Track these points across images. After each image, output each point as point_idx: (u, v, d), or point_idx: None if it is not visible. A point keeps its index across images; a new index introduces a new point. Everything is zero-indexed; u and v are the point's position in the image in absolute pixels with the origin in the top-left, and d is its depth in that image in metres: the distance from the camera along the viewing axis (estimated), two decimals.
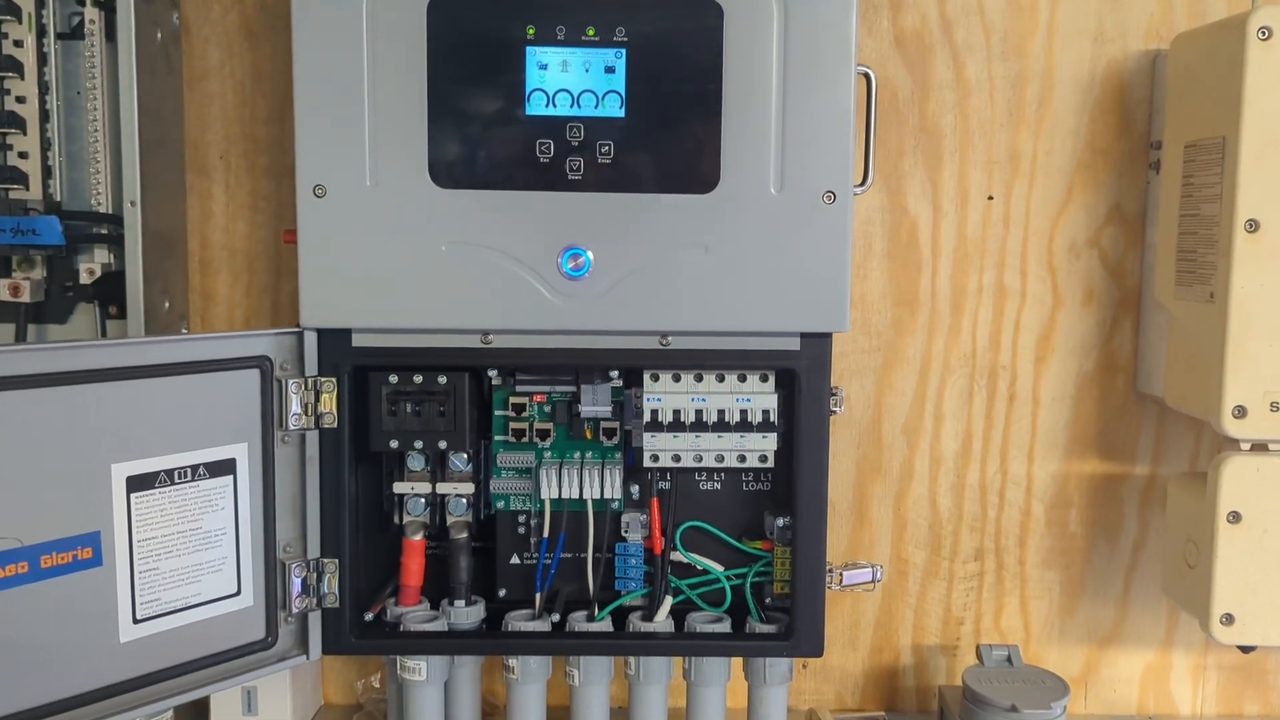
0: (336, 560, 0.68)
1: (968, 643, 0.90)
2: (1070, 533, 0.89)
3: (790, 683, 0.73)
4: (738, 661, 0.73)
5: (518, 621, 0.71)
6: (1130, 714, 0.91)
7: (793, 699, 0.91)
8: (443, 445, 0.69)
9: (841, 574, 0.72)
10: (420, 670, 0.70)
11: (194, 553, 0.63)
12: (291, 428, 0.66)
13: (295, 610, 0.67)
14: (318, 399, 0.67)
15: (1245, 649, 0.80)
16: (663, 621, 0.71)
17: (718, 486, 0.75)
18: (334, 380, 0.67)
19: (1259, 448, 0.74)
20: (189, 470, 0.62)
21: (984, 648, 0.83)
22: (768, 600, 0.74)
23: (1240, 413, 0.72)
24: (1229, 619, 0.75)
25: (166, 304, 0.79)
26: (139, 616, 0.61)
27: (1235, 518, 0.74)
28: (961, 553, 0.89)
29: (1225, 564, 0.74)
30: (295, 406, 0.66)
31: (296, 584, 0.67)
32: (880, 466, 0.89)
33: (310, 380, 0.67)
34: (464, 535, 0.73)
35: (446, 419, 0.68)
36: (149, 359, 0.60)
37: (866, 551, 0.89)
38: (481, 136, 0.65)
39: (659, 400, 0.70)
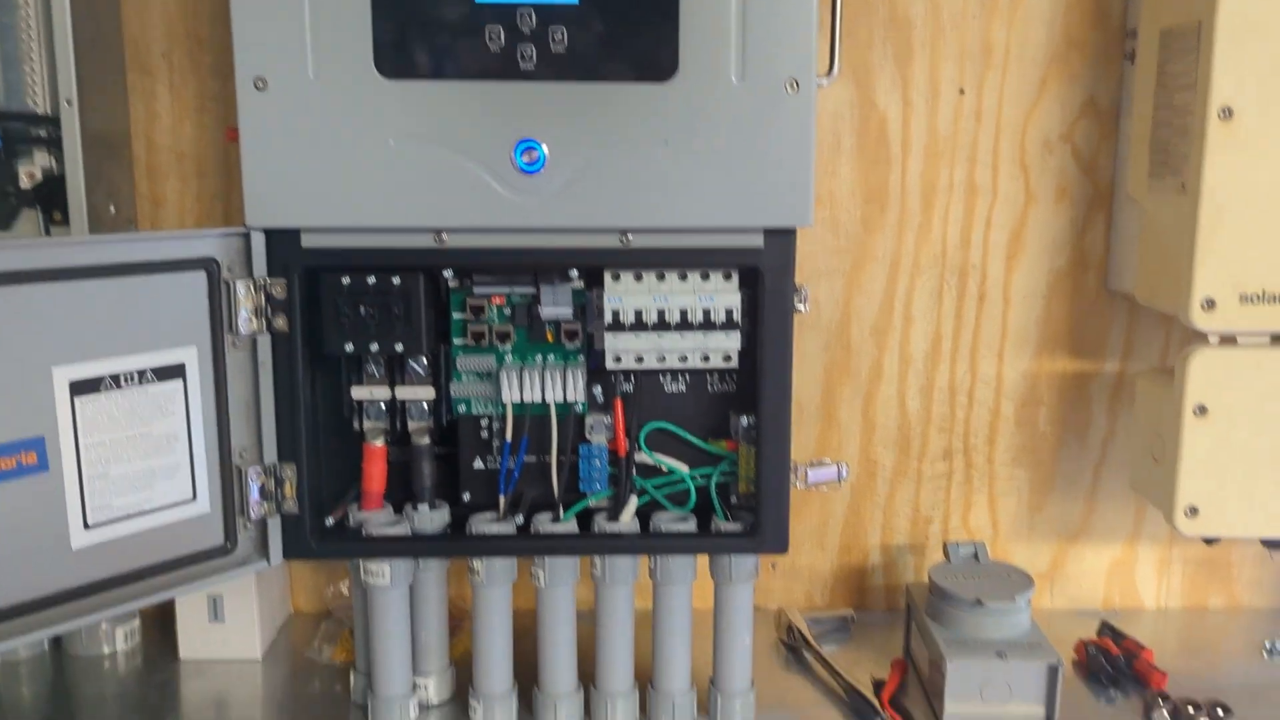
0: (294, 466, 0.67)
1: (936, 542, 0.90)
2: (1039, 431, 0.89)
3: (756, 580, 0.73)
4: (704, 562, 0.73)
5: (482, 524, 0.70)
6: (1096, 607, 0.92)
7: (762, 599, 0.91)
8: (399, 348, 0.67)
9: (806, 472, 0.72)
10: (384, 574, 0.70)
11: (145, 458, 0.62)
12: (241, 331, 0.65)
13: (254, 516, 0.67)
14: (268, 302, 0.65)
15: (1209, 541, 0.81)
16: (628, 522, 0.71)
17: (682, 388, 0.74)
18: (284, 282, 0.65)
19: (1227, 341, 0.73)
20: (135, 375, 0.61)
21: (951, 545, 0.83)
22: (733, 500, 0.74)
23: (1209, 305, 0.72)
24: (1193, 511, 0.75)
25: (112, 209, 0.77)
26: (90, 522, 0.60)
27: (1201, 411, 0.74)
28: (930, 453, 0.89)
29: (1190, 457, 0.74)
30: (244, 310, 0.64)
31: (254, 490, 0.67)
32: (849, 369, 0.88)
33: (259, 282, 0.65)
34: (426, 440, 0.72)
35: (402, 321, 0.67)
36: (88, 259, 0.58)
37: (835, 453, 0.89)
38: (428, 24, 0.62)
39: (620, 300, 0.68)
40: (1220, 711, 0.74)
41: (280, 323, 0.65)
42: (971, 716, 0.73)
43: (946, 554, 0.84)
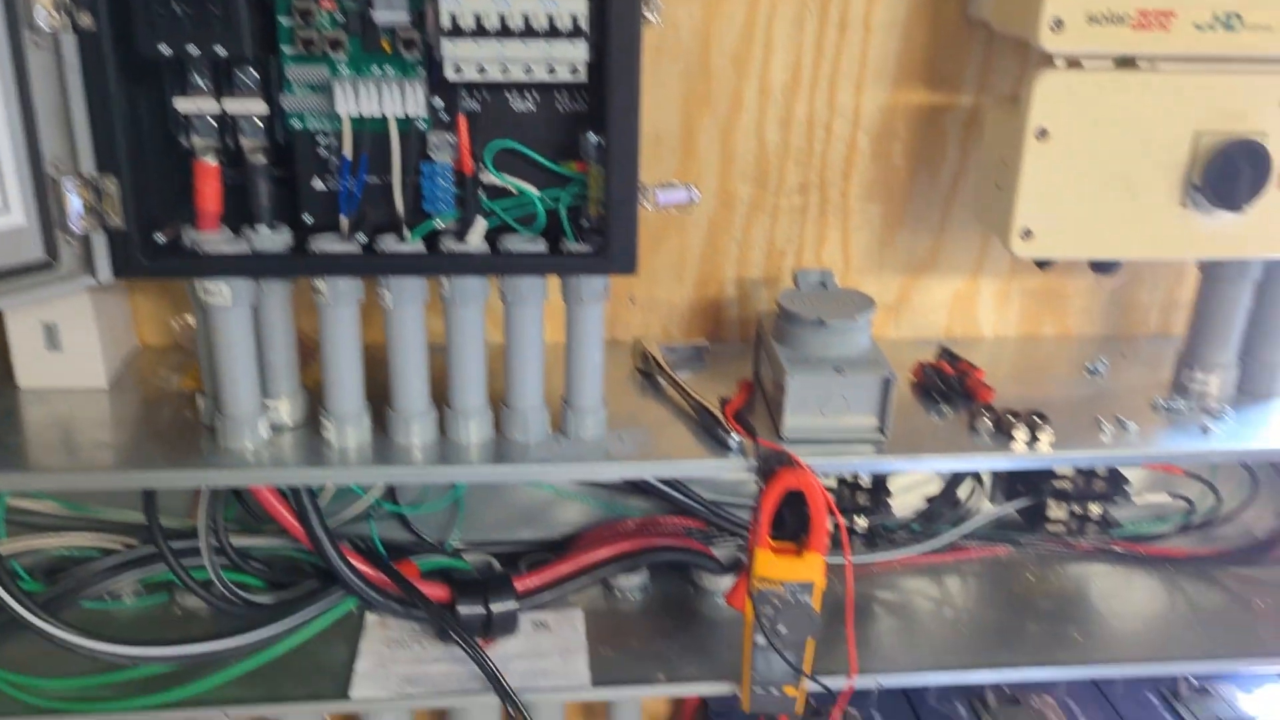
0: (115, 178, 0.64)
1: (790, 275, 0.92)
2: (894, 165, 0.90)
3: (607, 301, 0.74)
4: (556, 289, 0.73)
5: (324, 244, 0.69)
6: (938, 336, 0.97)
7: (620, 332, 0.93)
8: (220, 51, 0.63)
9: (655, 193, 0.72)
10: (224, 294, 0.68)
11: None
12: (42, 28, 0.60)
13: (76, 231, 0.64)
14: None
15: (1042, 264, 0.85)
16: (476, 243, 0.70)
17: (531, 107, 0.72)
18: None
19: (1074, 64, 0.74)
20: None
21: (800, 272, 0.85)
22: (584, 223, 0.73)
23: (1057, 25, 0.72)
24: (1028, 234, 0.78)
25: None
26: None
27: (1043, 134, 0.75)
28: (787, 186, 0.90)
29: (1029, 180, 0.76)
30: (41, 4, 0.59)
31: (75, 203, 0.63)
32: (708, 99, 0.86)
33: None
34: (261, 159, 0.69)
35: (220, 20, 0.62)
36: None
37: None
38: None
39: (459, 3, 0.65)
40: (1037, 419, 0.79)
41: (85, 20, 0.60)
42: (810, 428, 0.77)
43: (796, 281, 0.86)
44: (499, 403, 0.76)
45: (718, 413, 0.78)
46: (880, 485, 0.93)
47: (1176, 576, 0.98)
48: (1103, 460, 0.87)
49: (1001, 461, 0.82)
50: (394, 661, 0.81)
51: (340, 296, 0.70)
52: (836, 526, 0.78)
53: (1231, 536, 1.00)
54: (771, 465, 0.75)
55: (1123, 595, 0.95)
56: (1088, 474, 0.94)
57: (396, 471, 0.73)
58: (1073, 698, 1.03)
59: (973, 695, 1.03)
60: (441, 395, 0.75)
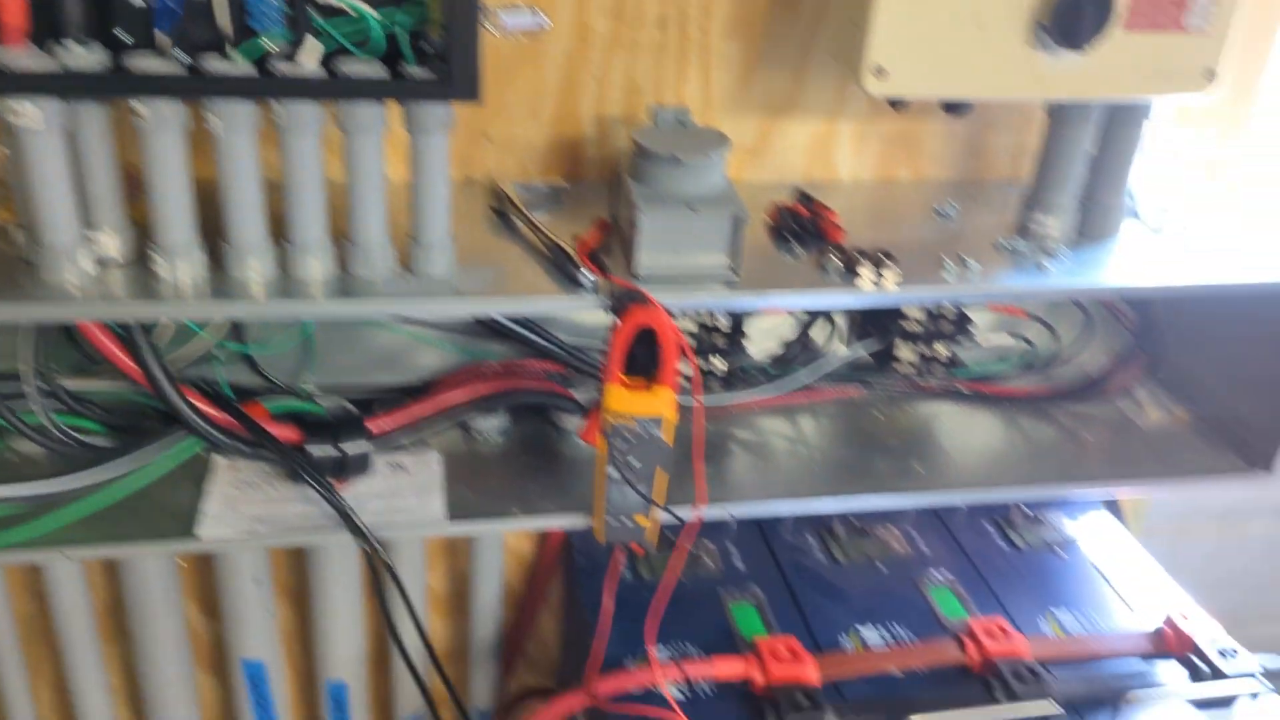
0: None
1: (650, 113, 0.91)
2: (755, 2, 0.88)
3: (452, 131, 0.71)
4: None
5: (142, 62, 0.64)
6: (796, 180, 0.97)
7: (475, 171, 0.91)
8: None
9: (500, 15, 0.69)
10: (32, 115, 0.64)
11: None
12: None
13: None
14: None
15: (896, 104, 0.85)
16: (308, 65, 0.66)
17: None
18: None
19: None
20: None
21: (657, 109, 0.84)
22: (426, 49, 0.70)
23: None
24: (880, 71, 0.78)
25: None
26: None
27: None
28: (646, 20, 0.87)
29: (882, 16, 0.76)
30: None
31: None
32: None
33: None
34: None
35: None
36: None
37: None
38: None
39: None
40: (883, 258, 0.81)
41: None
42: (663, 266, 0.77)
43: (653, 119, 0.84)
44: (342, 239, 0.74)
45: (571, 250, 0.78)
46: (737, 329, 0.95)
47: (1015, 414, 1.03)
48: (944, 297, 0.90)
49: (848, 299, 0.85)
50: (244, 503, 0.80)
51: (163, 122, 0.66)
52: (698, 370, 0.79)
53: (1067, 376, 1.06)
54: (624, 302, 0.75)
55: (965, 432, 1.00)
56: (935, 316, 0.97)
57: (235, 307, 0.71)
58: (916, 528, 1.09)
59: (823, 528, 1.08)
60: (281, 231, 0.73)
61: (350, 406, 0.88)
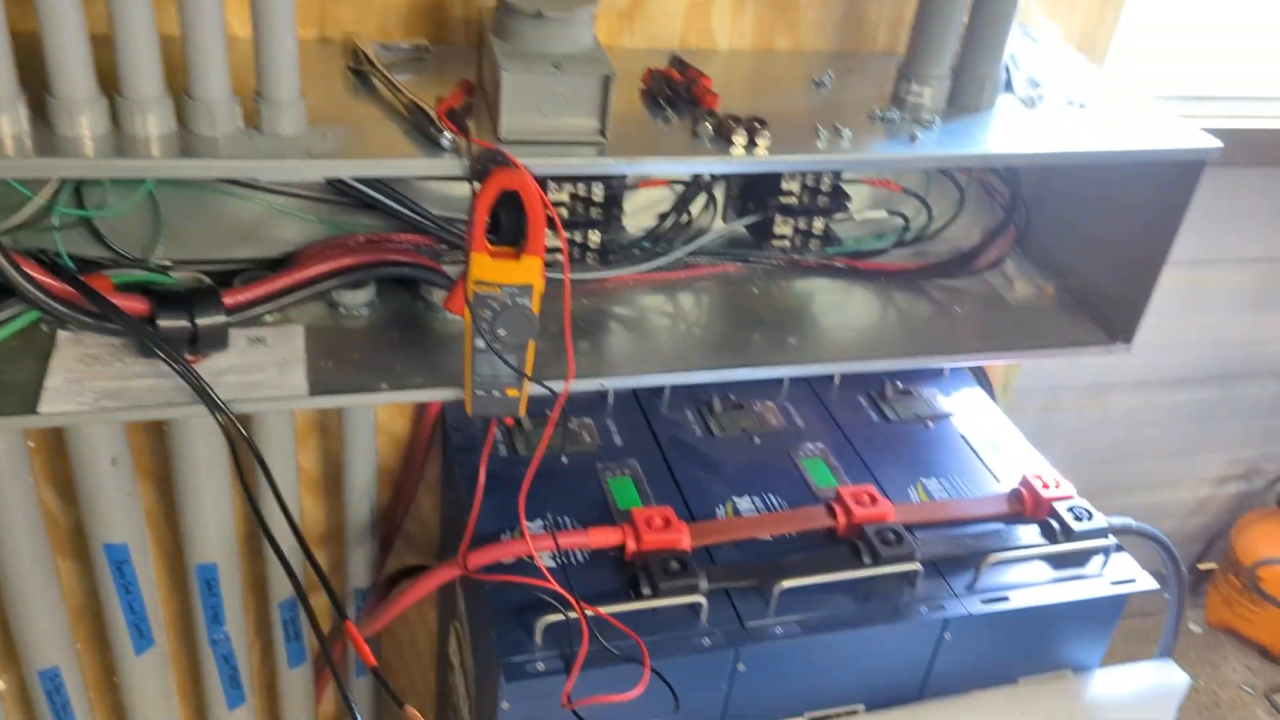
0: None
1: None
2: None
3: None
4: None
5: None
6: (673, 47, 0.95)
7: (331, 29, 0.86)
8: None
9: None
10: None
11: None
12: None
13: None
14: None
15: None
16: None
17: None
18: None
19: None
20: None
21: None
22: None
23: None
24: None
25: None
26: None
27: None
28: None
29: None
30: None
31: None
32: None
33: None
34: None
35: None
36: None
37: None
38: None
39: None
40: (756, 124, 0.80)
41: None
42: (528, 128, 0.75)
43: None
44: (182, 96, 0.69)
45: (430, 111, 0.74)
46: (612, 201, 0.93)
47: (889, 289, 1.04)
48: (816, 165, 0.90)
49: (720, 165, 0.83)
50: (91, 377, 0.77)
51: None
52: (567, 239, 0.77)
53: (940, 251, 1.07)
54: (486, 165, 0.72)
55: (840, 307, 1.01)
56: (811, 190, 0.96)
57: (63, 164, 0.66)
58: (791, 402, 1.10)
59: (700, 403, 1.08)
60: (114, 85, 0.68)
61: (204, 279, 0.84)
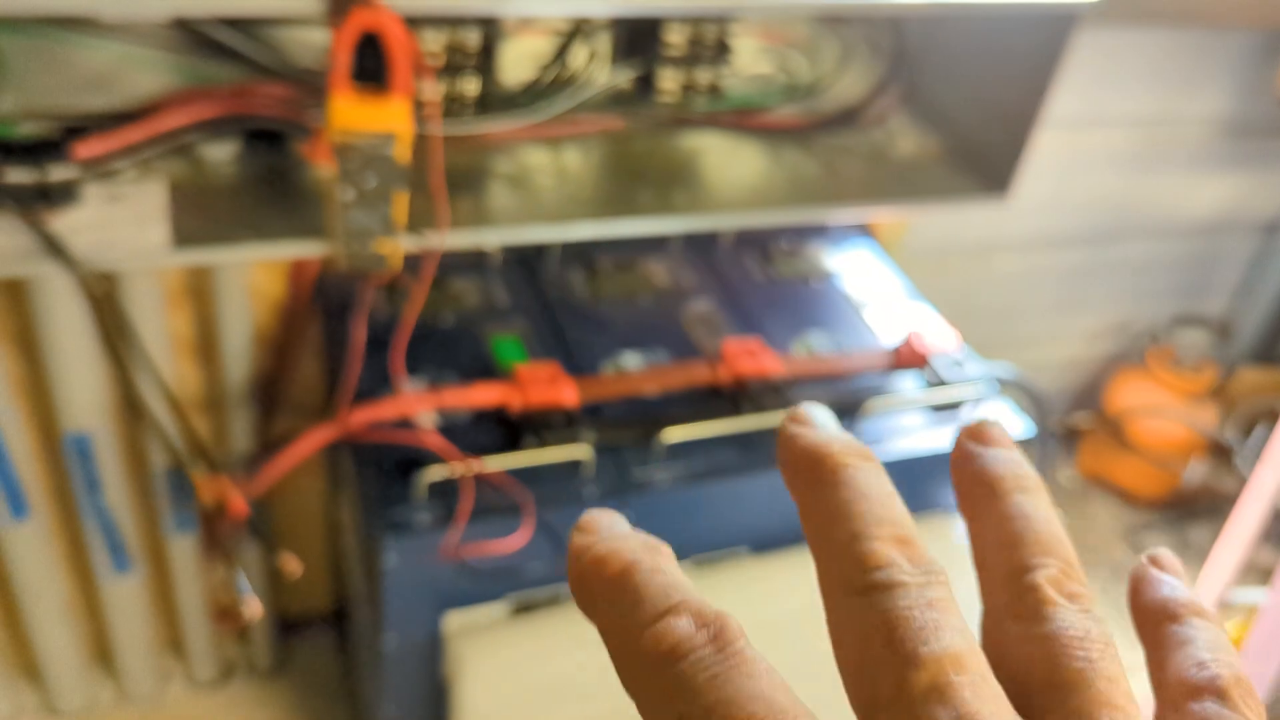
0: None
1: None
2: None
3: None
4: None
5: None
6: None
7: None
8: None
9: None
10: None
11: None
12: None
13: None
14: None
15: None
16: None
17: None
18: None
19: None
20: None
21: None
22: None
23: None
24: None
25: None
26: None
27: None
28: None
29: None
30: None
31: None
32: None
33: None
34: None
35: None
36: None
37: None
38: None
39: None
40: None
41: None
42: None
43: None
44: None
45: None
46: (488, 49, 0.90)
47: (778, 145, 1.03)
48: (697, 10, 0.88)
49: (594, 6, 0.81)
50: None
51: None
52: (434, 81, 0.75)
53: (826, 107, 1.06)
54: (345, 4, 0.69)
55: (727, 164, 1.00)
56: (696, 43, 0.94)
57: None
58: (679, 263, 1.10)
59: (588, 264, 1.08)
60: None
61: (55, 131, 0.79)
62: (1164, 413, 1.64)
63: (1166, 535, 1.70)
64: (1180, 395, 1.65)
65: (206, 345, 1.03)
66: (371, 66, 0.72)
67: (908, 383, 1.01)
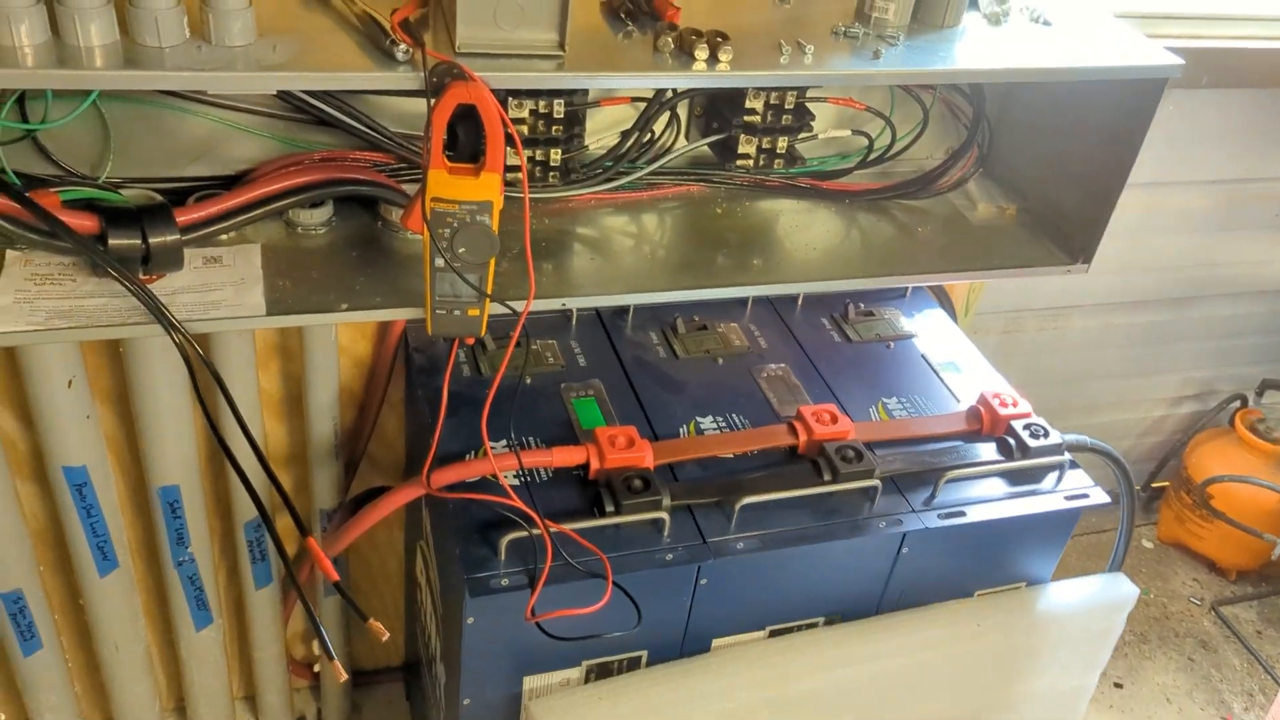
0: None
1: None
2: None
3: None
4: None
5: None
6: None
7: None
8: None
9: None
10: None
11: None
12: None
13: None
14: None
15: None
16: None
17: None
18: None
19: None
20: None
21: None
22: None
23: None
24: None
25: None
26: None
27: None
28: None
29: None
30: None
31: None
32: None
33: None
34: None
35: None
36: None
37: None
38: None
39: None
40: (718, 39, 0.78)
41: None
42: (485, 41, 0.73)
43: None
44: (125, 4, 0.67)
45: (385, 22, 0.72)
46: (574, 118, 0.91)
47: (853, 209, 1.04)
48: (777, 81, 0.89)
49: (680, 80, 0.82)
50: (41, 297, 0.75)
51: None
52: (525, 156, 0.76)
53: (904, 171, 1.07)
54: (442, 79, 0.71)
55: (803, 228, 1.01)
56: (775, 109, 0.95)
57: (1, 74, 0.64)
58: (755, 324, 1.11)
59: (664, 324, 1.08)
60: None
61: (156, 196, 0.82)
62: (1252, 479, 1.59)
63: (1257, 609, 1.64)
64: (1269, 461, 1.60)
65: (294, 401, 1.05)
66: (466, 139, 0.74)
67: (984, 449, 1.00)
